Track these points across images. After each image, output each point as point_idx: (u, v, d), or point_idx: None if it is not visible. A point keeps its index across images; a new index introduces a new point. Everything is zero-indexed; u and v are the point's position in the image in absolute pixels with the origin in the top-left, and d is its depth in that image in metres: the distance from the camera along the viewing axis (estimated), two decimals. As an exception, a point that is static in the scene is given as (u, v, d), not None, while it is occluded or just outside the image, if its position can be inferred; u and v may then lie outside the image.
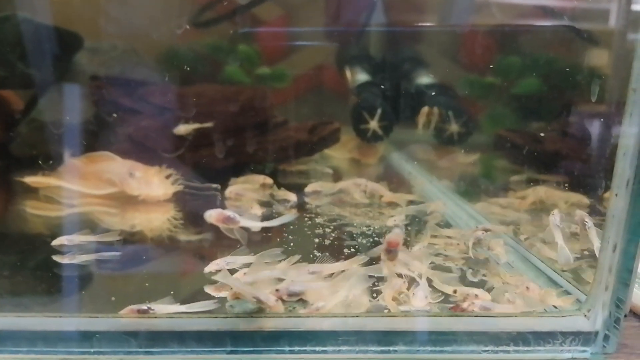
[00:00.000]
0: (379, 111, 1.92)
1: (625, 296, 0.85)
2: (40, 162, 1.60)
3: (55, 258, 1.14)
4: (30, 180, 1.57)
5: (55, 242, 1.20)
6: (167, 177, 1.58)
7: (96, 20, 1.67)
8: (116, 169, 1.55)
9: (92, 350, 0.83)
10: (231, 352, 0.84)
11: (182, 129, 1.65)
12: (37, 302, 1.01)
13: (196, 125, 1.65)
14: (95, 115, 1.69)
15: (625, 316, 0.86)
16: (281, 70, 1.97)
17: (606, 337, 0.87)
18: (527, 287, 1.02)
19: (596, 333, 0.88)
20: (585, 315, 0.89)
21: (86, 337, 0.83)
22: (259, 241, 1.21)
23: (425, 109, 1.88)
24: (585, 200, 1.36)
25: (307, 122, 1.90)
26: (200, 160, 1.70)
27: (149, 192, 1.53)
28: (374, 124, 1.94)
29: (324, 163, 1.98)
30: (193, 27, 1.75)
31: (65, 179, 1.56)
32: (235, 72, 1.91)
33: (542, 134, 1.63)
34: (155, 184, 1.54)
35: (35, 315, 0.88)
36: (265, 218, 1.39)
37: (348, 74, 2.05)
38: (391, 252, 0.96)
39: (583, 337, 0.87)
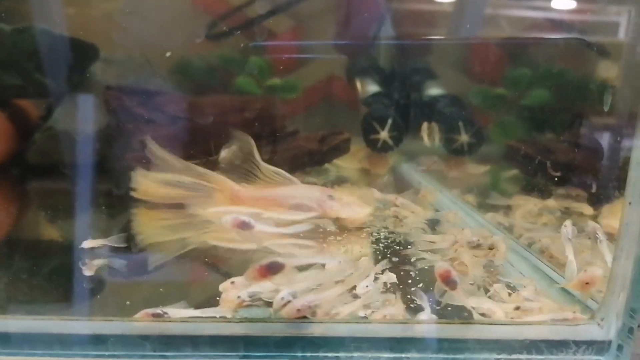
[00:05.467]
0: (389, 122, 1.93)
1: (638, 306, 0.85)
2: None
3: (73, 263, 1.15)
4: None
5: (83, 245, 1.19)
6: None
7: (112, 32, 1.70)
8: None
9: (106, 353, 0.84)
10: (244, 356, 0.85)
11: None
12: (53, 306, 1.02)
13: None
14: (110, 124, 1.71)
15: (638, 326, 0.86)
16: (292, 81, 2.00)
17: (620, 347, 0.87)
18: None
19: (609, 342, 0.87)
20: (598, 324, 0.89)
21: (101, 340, 0.84)
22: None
23: (424, 125, 1.90)
24: (597, 211, 1.36)
25: (318, 132, 1.91)
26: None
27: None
28: (384, 135, 1.95)
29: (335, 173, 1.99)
30: (206, 40, 1.78)
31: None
32: (247, 83, 1.93)
33: (553, 145, 1.63)
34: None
35: (51, 318, 0.89)
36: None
37: (358, 85, 2.06)
38: (449, 282, 0.93)
39: (596, 346, 0.87)
